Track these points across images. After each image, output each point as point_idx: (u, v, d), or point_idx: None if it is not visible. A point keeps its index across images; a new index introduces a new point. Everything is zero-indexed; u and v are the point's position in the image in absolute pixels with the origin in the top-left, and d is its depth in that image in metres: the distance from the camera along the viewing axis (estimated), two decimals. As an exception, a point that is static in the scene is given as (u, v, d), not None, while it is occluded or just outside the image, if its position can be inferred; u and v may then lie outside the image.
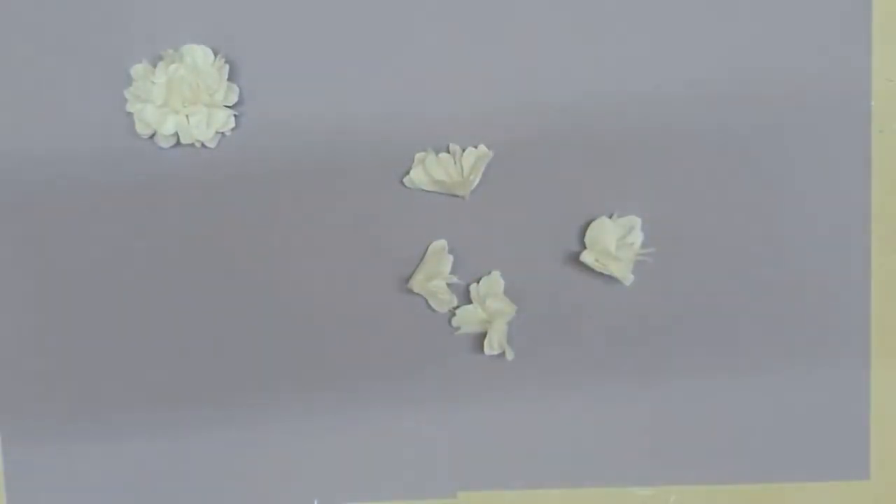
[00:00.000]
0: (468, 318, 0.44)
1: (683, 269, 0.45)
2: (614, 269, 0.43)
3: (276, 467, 0.45)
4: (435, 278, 0.43)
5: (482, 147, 0.43)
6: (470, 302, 0.44)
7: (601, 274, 0.43)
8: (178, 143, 0.43)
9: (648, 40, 0.44)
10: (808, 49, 0.44)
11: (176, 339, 0.45)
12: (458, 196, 0.44)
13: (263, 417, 0.45)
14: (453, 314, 0.44)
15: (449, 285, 0.44)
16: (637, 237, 0.44)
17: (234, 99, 0.43)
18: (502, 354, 0.44)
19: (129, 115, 0.43)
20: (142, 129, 0.43)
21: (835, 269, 0.45)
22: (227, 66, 0.43)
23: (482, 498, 0.46)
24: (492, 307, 0.43)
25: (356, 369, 0.45)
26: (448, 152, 0.43)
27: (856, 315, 0.45)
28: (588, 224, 0.44)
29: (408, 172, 0.44)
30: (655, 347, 0.45)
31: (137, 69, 0.42)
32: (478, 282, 0.44)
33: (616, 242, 0.43)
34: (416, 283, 0.43)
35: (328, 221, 0.44)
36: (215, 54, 0.43)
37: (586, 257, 0.43)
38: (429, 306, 0.44)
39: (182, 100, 0.42)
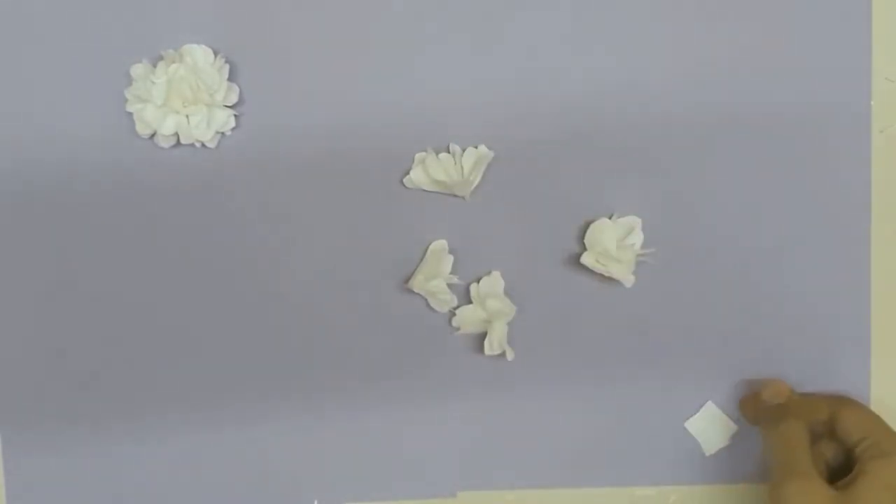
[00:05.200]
0: (468, 318, 0.44)
1: (683, 269, 0.45)
2: (615, 270, 0.43)
3: (276, 467, 0.45)
4: (435, 278, 0.43)
5: (482, 147, 0.43)
6: (470, 302, 0.44)
7: (601, 275, 0.43)
8: (178, 143, 0.43)
9: (648, 40, 0.44)
10: (808, 49, 0.44)
11: (175, 339, 0.45)
12: (458, 196, 0.44)
13: (264, 417, 0.45)
14: (453, 314, 0.44)
15: (449, 285, 0.44)
16: (637, 238, 0.44)
17: (234, 99, 0.43)
18: (502, 354, 0.44)
19: (130, 114, 0.43)
20: (142, 129, 0.43)
21: (835, 269, 0.45)
22: (227, 66, 0.43)
23: (482, 498, 0.46)
24: (492, 307, 0.43)
25: (356, 369, 0.45)
26: (448, 152, 0.43)
27: (856, 314, 0.45)
28: (588, 225, 0.44)
29: (408, 172, 0.44)
30: (655, 348, 0.45)
31: (137, 69, 0.42)
32: (478, 282, 0.44)
33: (616, 243, 0.43)
34: (416, 283, 0.43)
35: (328, 221, 0.44)
36: (215, 54, 0.43)
37: (587, 259, 0.43)
38: (429, 306, 0.44)
39: (182, 100, 0.42)
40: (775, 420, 0.42)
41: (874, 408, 0.45)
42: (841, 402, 0.43)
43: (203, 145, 0.43)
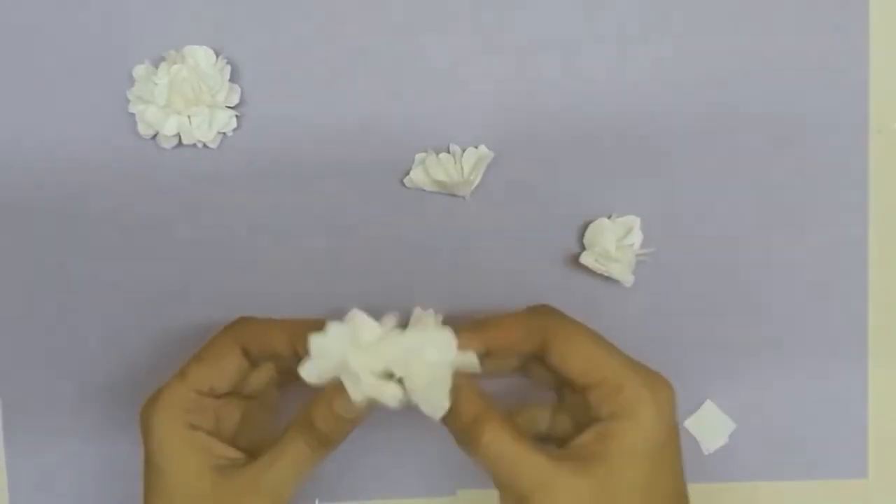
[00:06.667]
0: None
1: (683, 269, 0.45)
2: (614, 270, 0.43)
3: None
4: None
5: (482, 147, 0.44)
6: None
7: (601, 274, 0.44)
8: (180, 144, 0.43)
9: (647, 40, 0.44)
10: (805, 49, 0.44)
11: (177, 338, 0.45)
12: (458, 196, 0.44)
13: (264, 416, 0.45)
14: None
15: None
16: (636, 237, 0.44)
17: (235, 100, 0.43)
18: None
19: (131, 115, 0.43)
20: (144, 130, 0.43)
21: (833, 269, 0.45)
22: (228, 67, 0.43)
23: (482, 496, 0.46)
24: None
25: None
26: (448, 152, 0.44)
27: (854, 314, 0.45)
28: (587, 224, 0.44)
29: (408, 172, 0.44)
30: (655, 347, 0.45)
31: (139, 70, 0.42)
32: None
33: (615, 243, 0.43)
34: None
35: (328, 221, 0.44)
36: (217, 55, 0.43)
37: (586, 259, 0.43)
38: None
39: (184, 100, 0.42)
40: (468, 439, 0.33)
41: (872, 406, 0.45)
42: (548, 326, 0.35)
43: (205, 146, 0.43)
